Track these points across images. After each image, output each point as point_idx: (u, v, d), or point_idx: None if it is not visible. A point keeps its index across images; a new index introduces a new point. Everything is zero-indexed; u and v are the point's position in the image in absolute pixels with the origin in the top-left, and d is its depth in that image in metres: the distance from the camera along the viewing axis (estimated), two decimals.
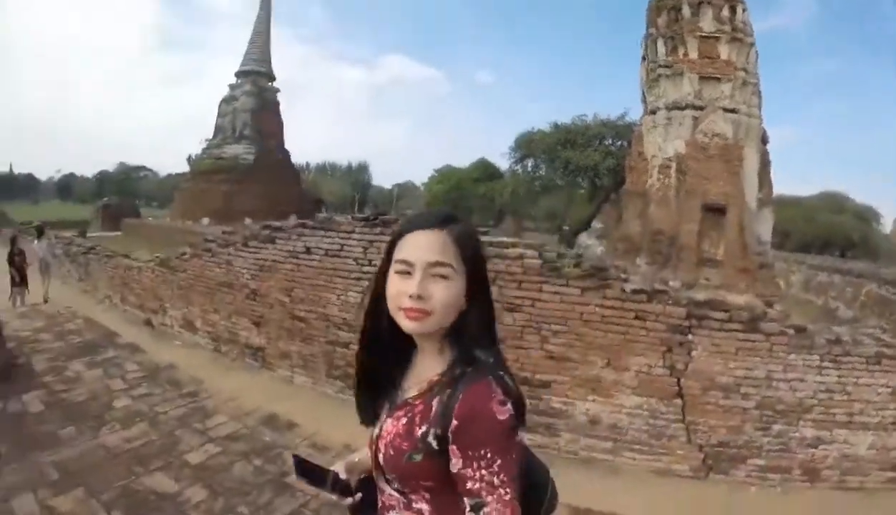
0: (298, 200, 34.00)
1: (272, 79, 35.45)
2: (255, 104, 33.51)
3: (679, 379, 4.67)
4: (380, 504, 1.39)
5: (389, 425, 1.29)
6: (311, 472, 1.48)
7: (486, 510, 1.11)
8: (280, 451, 5.15)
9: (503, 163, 36.86)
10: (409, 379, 1.35)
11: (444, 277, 1.21)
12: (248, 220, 29.30)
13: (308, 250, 6.44)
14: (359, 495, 1.47)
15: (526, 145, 30.07)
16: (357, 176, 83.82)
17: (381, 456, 1.30)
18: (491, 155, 56.46)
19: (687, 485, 4.63)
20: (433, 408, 1.20)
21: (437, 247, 1.21)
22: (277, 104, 35.49)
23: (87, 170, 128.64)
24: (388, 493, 1.34)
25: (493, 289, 4.54)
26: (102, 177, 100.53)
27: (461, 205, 44.27)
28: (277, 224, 7.07)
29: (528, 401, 3.88)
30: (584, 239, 22.96)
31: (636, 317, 4.65)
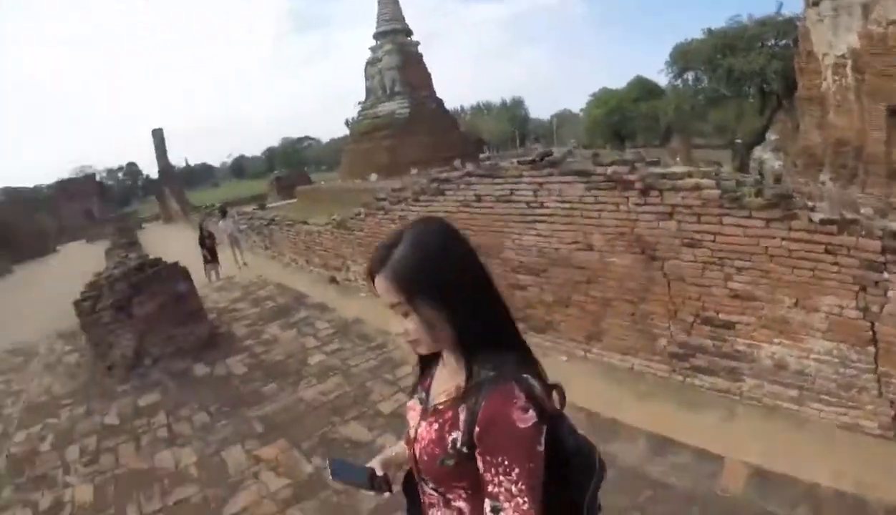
0: (460, 144, 34.19)
1: (410, 33, 35.69)
2: (399, 60, 33.96)
3: (873, 324, 4.04)
4: (422, 501, 1.46)
5: (423, 430, 1.35)
6: (349, 473, 1.57)
7: None
8: None
9: (661, 80, 34.77)
10: (438, 383, 1.40)
11: (404, 314, 1.26)
12: (413, 170, 30.10)
13: (479, 198, 6.46)
14: (397, 488, 1.55)
15: (683, 57, 27.85)
16: (513, 111, 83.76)
17: (417, 460, 1.37)
18: (646, 72, 53.75)
19: (874, 444, 4.09)
20: (461, 416, 1.23)
21: (384, 292, 1.26)
22: (420, 56, 35.67)
23: (255, 149, 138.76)
24: (429, 492, 1.41)
25: (672, 224, 4.46)
26: (270, 153, 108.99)
27: (623, 127, 42.80)
28: (444, 175, 7.15)
29: (710, 343, 3.69)
30: (758, 152, 21.36)
31: (826, 251, 4.11)
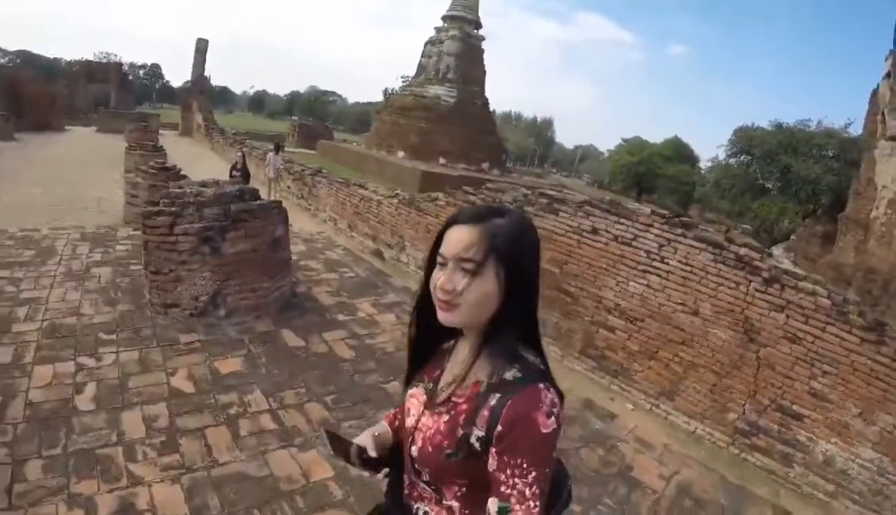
0: (492, 148, 34.76)
1: (478, 26, 35.89)
2: (461, 49, 34.33)
3: None
4: (407, 492, 1.43)
5: (429, 421, 1.32)
6: (342, 448, 1.49)
7: None
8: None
9: (697, 147, 34.92)
10: (449, 371, 1.38)
11: (471, 273, 1.20)
12: (442, 160, 30.51)
13: (595, 231, 6.45)
14: (386, 469, 1.50)
15: (746, 140, 28.16)
16: (541, 130, 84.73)
17: (415, 450, 1.33)
18: (684, 134, 54.86)
19: None
20: (480, 411, 1.20)
21: (466, 243, 1.21)
22: (482, 52, 35.88)
23: (279, 89, 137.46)
24: (421, 486, 1.37)
25: (781, 317, 5.17)
26: (293, 97, 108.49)
27: (647, 181, 43.30)
28: (558, 195, 7.02)
29: (776, 428, 5.01)
30: (775, 251, 22.03)
31: None
